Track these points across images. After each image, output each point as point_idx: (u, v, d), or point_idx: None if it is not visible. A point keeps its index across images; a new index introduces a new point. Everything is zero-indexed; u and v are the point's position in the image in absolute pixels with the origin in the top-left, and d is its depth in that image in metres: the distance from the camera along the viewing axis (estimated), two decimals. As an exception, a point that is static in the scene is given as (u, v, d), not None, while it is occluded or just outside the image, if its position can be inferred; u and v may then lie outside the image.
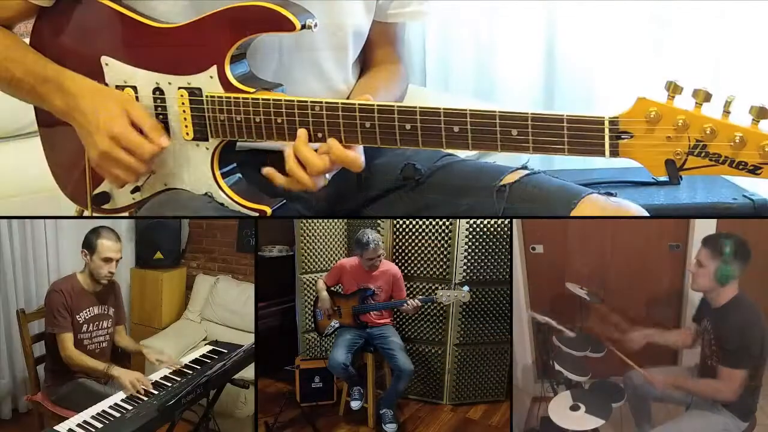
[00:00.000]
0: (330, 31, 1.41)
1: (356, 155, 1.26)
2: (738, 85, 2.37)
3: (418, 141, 1.20)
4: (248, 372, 1.85)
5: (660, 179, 2.21)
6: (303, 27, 1.24)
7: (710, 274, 1.49)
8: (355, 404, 2.20)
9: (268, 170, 1.32)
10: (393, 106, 1.20)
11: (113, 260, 1.78)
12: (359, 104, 1.22)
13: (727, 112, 1.04)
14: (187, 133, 1.34)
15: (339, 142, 1.25)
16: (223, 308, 2.55)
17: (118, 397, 1.58)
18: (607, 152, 1.10)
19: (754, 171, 1.04)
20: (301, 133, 1.25)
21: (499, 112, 1.14)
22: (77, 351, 1.73)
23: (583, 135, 1.10)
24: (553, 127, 1.12)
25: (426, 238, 2.37)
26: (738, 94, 1.04)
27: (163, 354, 1.84)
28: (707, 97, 1.04)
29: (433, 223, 2.34)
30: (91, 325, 1.79)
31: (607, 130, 1.09)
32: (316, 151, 1.26)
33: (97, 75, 1.36)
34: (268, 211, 1.34)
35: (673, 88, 1.05)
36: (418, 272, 2.39)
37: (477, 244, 2.33)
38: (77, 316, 1.76)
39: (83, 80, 1.34)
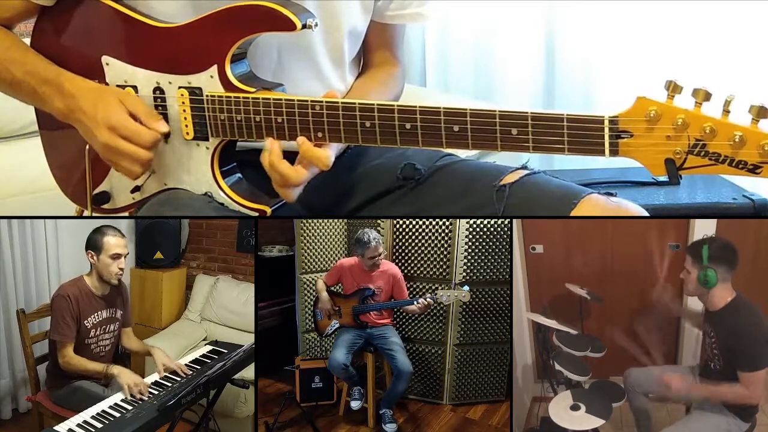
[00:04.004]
0: (326, 30, 1.41)
1: (324, 153, 1.24)
2: (738, 84, 2.37)
3: (418, 140, 1.20)
4: (248, 372, 1.85)
5: (660, 179, 2.21)
6: (304, 27, 1.24)
7: (694, 280, 1.50)
8: (355, 404, 2.20)
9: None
10: (393, 105, 1.20)
11: (121, 256, 1.75)
12: (359, 104, 1.22)
13: (726, 111, 1.04)
14: (188, 133, 1.33)
15: (338, 141, 1.25)
16: (223, 308, 2.55)
17: (117, 397, 1.57)
18: (606, 151, 1.10)
19: (753, 170, 1.04)
20: (275, 146, 1.25)
21: (499, 111, 1.14)
22: (76, 357, 1.70)
23: (583, 134, 1.10)
24: (553, 127, 1.12)
25: (426, 238, 2.37)
26: (738, 94, 1.04)
27: (172, 363, 1.80)
28: (707, 96, 1.04)
29: (433, 223, 2.34)
30: (99, 329, 1.77)
31: (606, 130, 1.09)
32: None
33: (98, 74, 1.36)
34: (268, 210, 1.34)
35: (673, 88, 1.05)
36: (418, 272, 2.39)
37: (477, 244, 2.33)
38: (85, 322, 1.73)
39: (82, 81, 1.34)
